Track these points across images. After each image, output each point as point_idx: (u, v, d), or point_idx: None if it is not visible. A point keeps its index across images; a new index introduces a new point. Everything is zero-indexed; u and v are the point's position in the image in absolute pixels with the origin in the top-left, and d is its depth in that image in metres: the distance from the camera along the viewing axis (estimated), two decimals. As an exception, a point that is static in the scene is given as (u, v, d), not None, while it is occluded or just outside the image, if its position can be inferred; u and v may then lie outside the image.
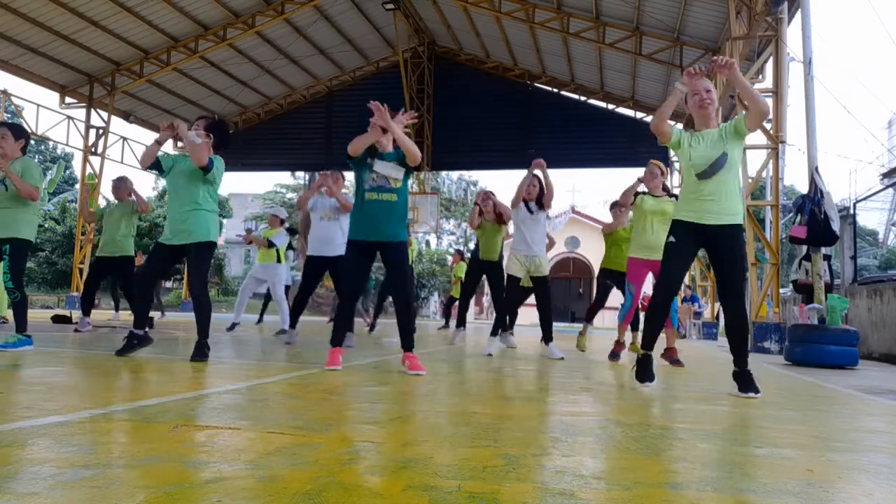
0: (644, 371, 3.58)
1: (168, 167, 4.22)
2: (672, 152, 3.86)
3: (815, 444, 2.12)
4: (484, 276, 7.12)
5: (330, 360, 3.87)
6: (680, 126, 3.65)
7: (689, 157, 3.51)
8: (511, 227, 6.86)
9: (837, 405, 3.38)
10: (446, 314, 13.19)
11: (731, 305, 3.51)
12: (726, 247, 3.45)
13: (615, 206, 6.50)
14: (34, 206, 4.35)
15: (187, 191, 4.12)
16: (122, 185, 6.78)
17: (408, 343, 3.97)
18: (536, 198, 5.77)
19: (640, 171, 5.74)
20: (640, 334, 6.92)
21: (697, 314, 15.23)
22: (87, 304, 6.91)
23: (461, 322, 7.73)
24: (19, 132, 4.40)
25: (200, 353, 4.04)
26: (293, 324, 6.34)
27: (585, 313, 6.92)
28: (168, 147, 20.94)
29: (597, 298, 6.70)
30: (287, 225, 8.58)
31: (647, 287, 5.46)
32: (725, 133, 3.50)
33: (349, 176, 6.56)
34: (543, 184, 5.78)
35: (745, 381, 3.45)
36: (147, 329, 4.29)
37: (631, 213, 6.38)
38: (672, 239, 3.56)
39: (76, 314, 10.50)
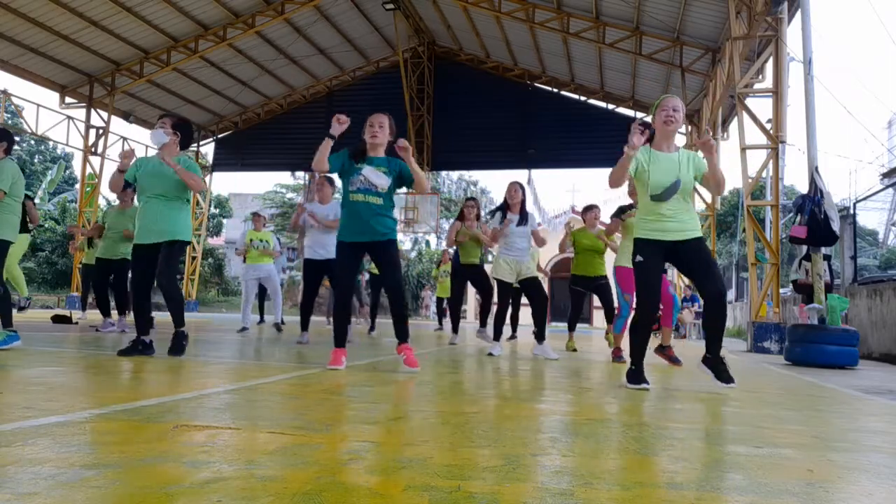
0: (634, 377, 3.59)
1: (133, 177, 4.28)
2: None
3: (815, 444, 2.12)
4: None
5: (333, 359, 3.89)
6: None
7: (646, 179, 3.61)
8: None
9: (837, 405, 3.38)
10: (439, 315, 13.23)
11: (713, 294, 3.54)
12: (695, 256, 3.59)
13: (586, 209, 6.69)
14: (15, 207, 4.41)
15: (162, 190, 4.17)
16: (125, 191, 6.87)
17: (402, 333, 3.98)
18: (519, 210, 5.87)
19: None
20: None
21: (697, 314, 15.23)
22: (104, 305, 7.08)
23: (455, 327, 7.75)
24: (1, 136, 4.43)
25: (177, 345, 4.13)
26: (305, 326, 6.45)
27: (568, 324, 7.21)
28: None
29: (572, 307, 6.97)
30: (279, 237, 8.79)
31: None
32: (686, 163, 3.62)
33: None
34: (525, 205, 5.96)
35: (720, 370, 3.53)
36: (152, 339, 4.32)
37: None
38: (640, 258, 3.66)
39: (76, 314, 10.52)
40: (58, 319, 8.50)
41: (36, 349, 4.39)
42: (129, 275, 6.91)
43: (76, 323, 8.48)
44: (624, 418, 2.52)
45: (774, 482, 1.57)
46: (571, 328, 7.30)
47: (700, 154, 3.65)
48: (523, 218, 5.82)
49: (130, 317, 8.70)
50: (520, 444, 1.92)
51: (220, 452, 1.63)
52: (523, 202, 5.91)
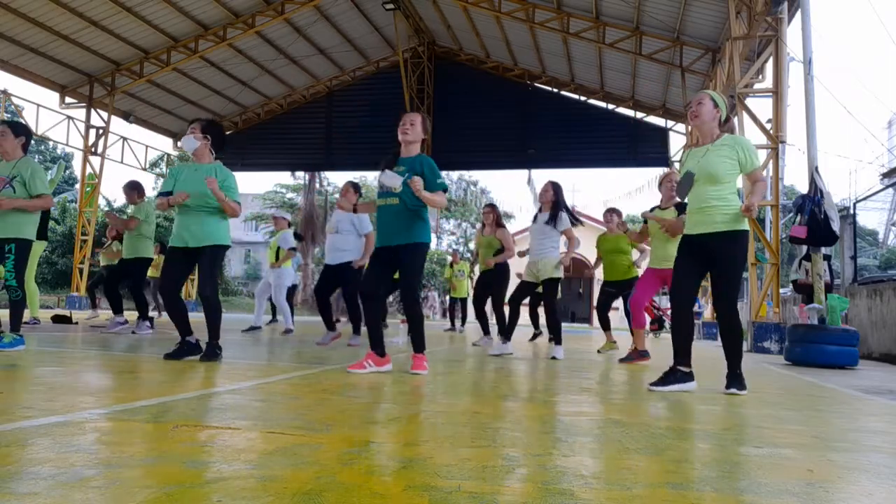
0: (664, 377, 3.61)
1: (173, 186, 4.20)
2: (677, 159, 4.02)
3: (815, 444, 2.12)
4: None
5: (357, 363, 3.88)
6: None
7: None
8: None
9: (837, 405, 3.38)
10: (452, 315, 13.21)
11: (721, 313, 3.59)
12: (714, 254, 3.52)
13: (607, 212, 6.64)
14: None
15: (201, 195, 4.11)
16: (128, 191, 6.86)
17: (415, 343, 3.99)
18: (550, 209, 5.80)
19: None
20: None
21: (697, 314, 15.23)
22: (116, 303, 7.08)
23: (486, 330, 7.72)
24: (19, 129, 4.37)
25: (212, 353, 4.06)
26: (330, 326, 6.45)
27: (601, 325, 7.13)
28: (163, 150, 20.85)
29: (599, 307, 6.94)
30: (294, 229, 8.74)
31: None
32: (713, 150, 3.52)
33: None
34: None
35: (731, 378, 3.52)
36: (197, 338, 4.20)
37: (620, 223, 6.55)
38: (677, 255, 3.73)
39: (76, 314, 10.53)
40: (58, 319, 8.50)
41: (36, 349, 4.39)
42: (142, 275, 6.93)
43: (76, 323, 8.48)
44: (624, 418, 2.52)
45: (774, 482, 1.57)
46: (605, 328, 7.12)
47: (745, 140, 3.59)
48: (552, 217, 5.74)
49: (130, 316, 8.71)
50: (520, 443, 1.92)
51: (220, 452, 1.63)
52: (555, 202, 5.77)
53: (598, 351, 6.91)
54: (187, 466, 1.48)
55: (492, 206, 7.33)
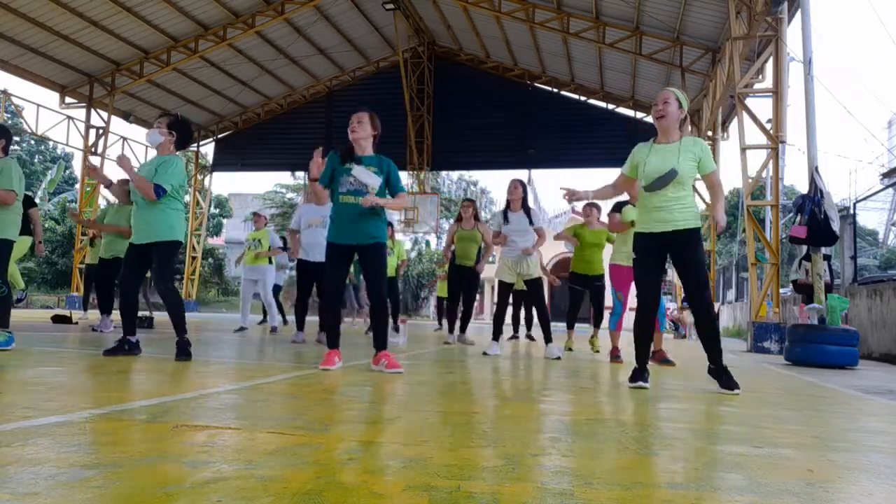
0: (636, 375, 3.67)
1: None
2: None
3: (815, 444, 2.12)
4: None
5: (325, 360, 3.88)
6: (638, 146, 3.72)
7: (642, 171, 3.64)
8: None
9: (837, 405, 3.38)
10: (439, 315, 13.22)
11: (698, 308, 3.61)
12: (683, 252, 3.57)
13: (588, 206, 6.64)
14: (17, 206, 4.36)
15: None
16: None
17: (379, 343, 3.94)
18: (521, 206, 5.83)
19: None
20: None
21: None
22: (106, 304, 7.12)
23: (451, 328, 7.75)
24: None
25: (184, 352, 4.05)
26: (300, 326, 6.45)
27: (567, 323, 7.20)
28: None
29: (571, 306, 6.94)
30: (279, 238, 8.80)
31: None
32: (685, 150, 3.56)
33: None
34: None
35: (725, 378, 3.56)
36: (138, 338, 4.26)
37: (603, 217, 6.52)
38: (635, 256, 3.72)
39: (76, 314, 10.53)
40: (58, 319, 8.50)
41: (36, 349, 4.39)
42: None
43: (76, 323, 8.48)
44: (624, 418, 2.52)
45: (774, 482, 1.57)
46: (570, 327, 7.30)
47: (703, 142, 3.67)
48: (528, 214, 5.77)
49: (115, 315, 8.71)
50: (520, 444, 1.92)
51: (220, 452, 1.63)
52: (524, 199, 5.85)
53: (570, 349, 6.95)
54: (187, 466, 1.48)
55: (471, 201, 7.44)
